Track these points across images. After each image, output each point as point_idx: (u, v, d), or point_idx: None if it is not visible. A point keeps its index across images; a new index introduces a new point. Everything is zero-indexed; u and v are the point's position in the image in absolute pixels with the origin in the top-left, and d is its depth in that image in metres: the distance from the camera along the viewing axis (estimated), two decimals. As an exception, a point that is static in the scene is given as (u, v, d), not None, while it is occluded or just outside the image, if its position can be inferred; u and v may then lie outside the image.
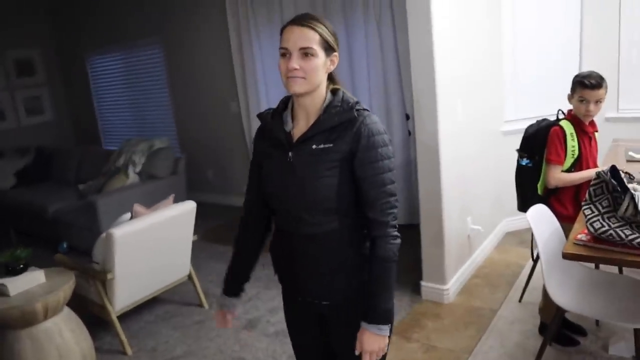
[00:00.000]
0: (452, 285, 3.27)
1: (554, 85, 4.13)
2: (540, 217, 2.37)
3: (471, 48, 3.48)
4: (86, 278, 3.08)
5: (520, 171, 2.80)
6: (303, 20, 1.39)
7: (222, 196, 6.08)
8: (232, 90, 5.56)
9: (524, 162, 2.74)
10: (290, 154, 1.44)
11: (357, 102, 1.44)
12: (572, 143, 2.54)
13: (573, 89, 2.56)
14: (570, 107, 2.64)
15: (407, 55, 4.05)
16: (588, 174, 2.49)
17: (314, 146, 1.41)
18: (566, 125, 2.56)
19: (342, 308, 1.52)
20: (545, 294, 2.72)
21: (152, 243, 3.08)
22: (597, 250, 1.93)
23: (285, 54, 1.38)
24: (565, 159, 2.55)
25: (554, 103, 3.62)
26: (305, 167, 1.41)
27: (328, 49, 1.41)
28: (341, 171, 1.40)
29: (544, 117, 2.78)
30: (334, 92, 1.47)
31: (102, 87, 7.12)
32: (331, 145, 1.39)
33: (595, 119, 2.66)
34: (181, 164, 5.30)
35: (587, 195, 2.04)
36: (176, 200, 3.54)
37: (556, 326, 2.28)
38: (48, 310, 2.62)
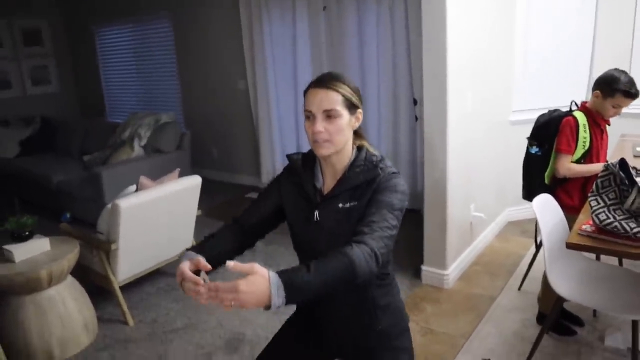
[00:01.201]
0: (453, 271, 3.29)
1: (563, 76, 4.12)
2: (545, 206, 2.38)
3: (482, 36, 3.45)
4: (90, 248, 3.10)
5: (529, 159, 2.80)
6: (326, 82, 1.39)
7: (226, 174, 6.09)
8: (240, 68, 5.54)
9: (534, 150, 2.75)
10: (316, 212, 1.45)
11: (381, 160, 1.45)
12: (584, 134, 2.54)
13: (609, 94, 2.49)
14: (580, 99, 2.63)
15: (418, 40, 4.03)
16: (598, 167, 2.48)
17: (340, 205, 1.42)
18: (580, 117, 2.56)
19: (364, 353, 1.56)
20: (544, 283, 2.74)
21: (157, 216, 3.10)
22: (601, 242, 1.93)
23: (309, 116, 1.40)
24: (575, 150, 2.55)
25: (563, 94, 3.62)
26: (332, 226, 1.43)
27: (351, 107, 1.41)
28: None
29: (555, 108, 2.77)
30: (359, 148, 1.48)
31: (109, 59, 7.09)
32: (356, 203, 1.41)
33: None
34: (186, 139, 5.30)
35: (594, 187, 2.05)
36: (180, 176, 3.55)
37: (555, 315, 2.30)
38: (52, 278, 2.65)
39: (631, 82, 2.48)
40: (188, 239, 3.43)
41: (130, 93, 7.00)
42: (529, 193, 2.76)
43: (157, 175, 3.55)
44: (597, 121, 2.59)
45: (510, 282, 3.28)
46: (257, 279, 1.11)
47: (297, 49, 4.96)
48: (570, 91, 3.84)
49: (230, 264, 1.18)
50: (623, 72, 2.52)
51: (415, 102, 4.30)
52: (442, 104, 3.01)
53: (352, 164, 1.44)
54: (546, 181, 2.70)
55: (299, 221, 1.51)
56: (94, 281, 3.19)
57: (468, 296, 3.16)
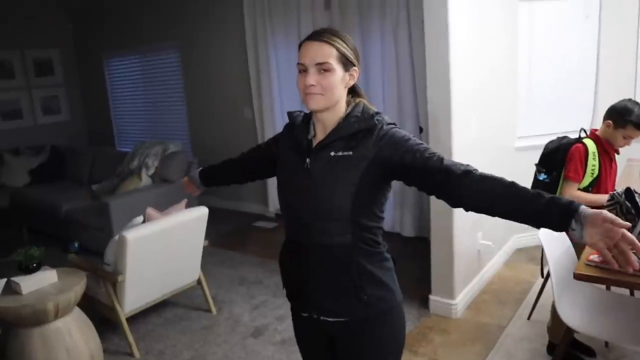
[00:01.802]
0: (461, 300, 3.26)
1: (568, 102, 4.13)
2: (552, 235, 2.36)
3: (487, 62, 3.48)
4: (97, 279, 3.11)
5: (537, 186, 2.77)
6: (320, 35, 1.37)
7: (233, 202, 6.11)
8: (246, 96, 5.61)
9: (542, 177, 2.73)
10: (307, 160, 1.42)
11: (377, 113, 1.42)
12: (593, 162, 2.54)
13: (621, 124, 2.51)
14: (586, 125, 2.64)
15: (422, 67, 4.08)
16: (603, 199, 2.47)
17: (332, 153, 1.39)
18: (589, 144, 2.56)
19: (351, 328, 1.47)
20: (554, 313, 2.70)
21: (164, 247, 3.11)
22: (609, 272, 1.92)
23: (302, 70, 1.38)
24: (583, 177, 2.54)
25: (568, 120, 3.63)
26: (322, 174, 1.40)
27: (347, 63, 1.39)
28: (360, 181, 1.36)
29: (564, 135, 2.77)
30: (356, 104, 1.46)
31: (118, 89, 7.20)
32: (350, 152, 1.37)
33: None
34: (194, 168, 5.34)
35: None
36: (187, 205, 3.57)
37: (565, 346, 2.26)
38: (59, 310, 2.65)
39: None
40: (195, 269, 3.43)
41: (138, 122, 7.09)
42: None
43: (165, 204, 3.57)
44: (607, 150, 2.59)
45: (519, 311, 3.24)
46: (593, 230, 1.08)
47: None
48: (575, 117, 3.86)
49: None
50: (637, 103, 2.54)
51: (421, 129, 4.33)
52: (447, 132, 3.02)
53: (348, 115, 1.41)
54: None
55: (289, 171, 1.50)
56: (100, 312, 3.18)
57: (477, 326, 3.12)
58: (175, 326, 3.39)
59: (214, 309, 3.51)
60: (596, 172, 2.54)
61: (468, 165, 1.30)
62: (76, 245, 4.93)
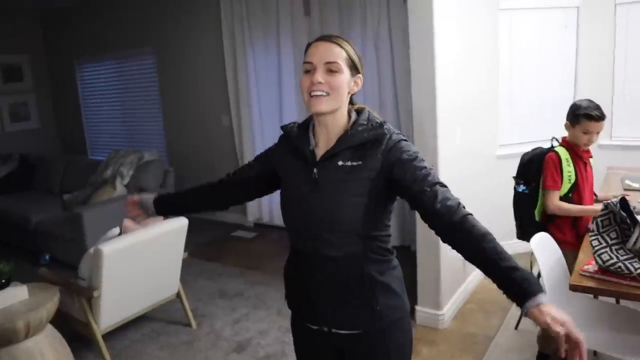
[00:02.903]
0: (447, 310, 3.21)
1: (549, 110, 4.15)
2: (544, 245, 2.34)
3: (469, 70, 3.47)
4: (70, 294, 2.96)
5: (518, 198, 2.79)
6: (330, 37, 1.37)
7: (211, 212, 5.96)
8: (224, 103, 5.50)
9: (521, 188, 2.75)
10: (315, 170, 1.37)
11: (384, 122, 1.39)
12: (569, 168, 2.55)
13: (575, 121, 2.54)
14: (564, 134, 2.64)
15: (404, 76, 4.07)
16: (588, 209, 2.51)
17: (340, 163, 1.35)
18: (561, 151, 2.57)
19: (363, 340, 1.43)
20: None
21: (141, 260, 2.98)
22: (604, 283, 1.89)
23: (309, 69, 1.34)
24: (562, 184, 2.54)
25: (548, 128, 3.63)
26: (331, 185, 1.35)
27: (353, 68, 1.37)
28: (370, 191, 1.33)
29: (538, 145, 2.80)
30: (359, 112, 1.43)
31: (91, 95, 7.00)
32: (360, 162, 1.33)
33: None
34: (170, 176, 5.20)
35: (594, 226, 2.02)
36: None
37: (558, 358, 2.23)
38: (30, 328, 2.50)
39: (594, 106, 2.51)
40: (174, 282, 3.30)
41: (112, 130, 6.89)
42: (523, 233, 2.75)
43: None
44: (579, 154, 2.60)
45: (506, 321, 3.20)
46: (549, 309, 1.12)
47: (282, 81, 4.94)
48: (555, 125, 3.87)
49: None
50: (586, 99, 2.58)
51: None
52: (433, 141, 2.98)
53: (355, 123, 1.38)
54: (537, 218, 2.68)
55: (294, 182, 1.43)
56: (74, 329, 3.03)
57: (464, 336, 3.08)
58: (154, 342, 3.26)
59: (193, 323, 3.39)
60: (573, 177, 2.55)
61: (458, 208, 1.27)
62: (47, 257, 4.75)
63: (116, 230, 3.08)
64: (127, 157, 5.01)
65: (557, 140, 2.69)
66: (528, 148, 2.84)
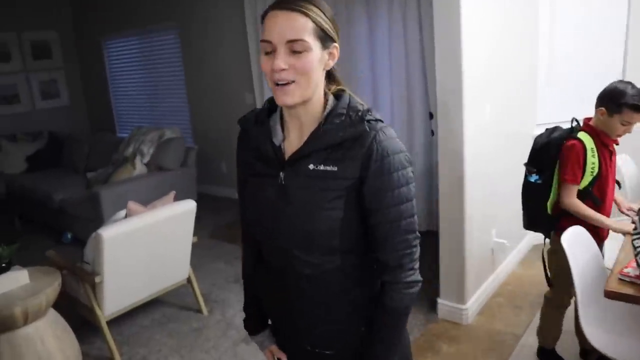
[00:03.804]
0: (472, 304, 2.98)
1: (593, 89, 3.76)
2: (576, 240, 2.06)
3: (503, 43, 3.14)
4: (77, 278, 2.88)
5: (528, 188, 2.39)
6: (291, 2, 1.02)
7: (235, 190, 5.84)
8: (248, 81, 5.31)
9: (533, 178, 2.34)
10: (281, 174, 1.13)
11: (368, 110, 1.11)
12: (593, 160, 2.17)
13: (616, 110, 2.14)
14: (588, 115, 2.29)
15: (432, 49, 3.76)
16: (606, 221, 2.16)
17: (311, 166, 1.10)
18: (586, 140, 2.18)
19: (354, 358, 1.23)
20: (544, 313, 2.48)
21: (147, 245, 2.85)
22: (647, 290, 1.63)
23: (268, 50, 1.04)
24: (583, 178, 2.19)
25: (591, 108, 3.29)
26: (301, 193, 1.11)
27: (325, 39, 1.06)
28: (347, 201, 1.09)
29: (555, 125, 2.40)
30: (338, 95, 1.14)
31: (118, 72, 6.95)
32: (335, 169, 1.08)
33: None
34: (192, 155, 5.09)
35: (638, 223, 1.74)
36: (185, 195, 3.30)
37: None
38: (29, 315, 2.42)
39: (639, 93, 2.13)
40: (184, 267, 3.18)
41: (138, 107, 6.83)
42: (530, 223, 2.43)
43: (160, 194, 3.31)
44: (605, 142, 2.22)
45: (536, 318, 2.94)
46: None
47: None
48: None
49: None
50: (629, 83, 2.17)
51: (431, 115, 4.01)
52: (459, 119, 2.71)
53: (330, 114, 1.10)
54: (549, 211, 2.31)
55: (258, 185, 1.18)
56: (81, 313, 2.96)
57: (490, 333, 2.84)
58: (163, 328, 3.16)
59: (205, 310, 3.27)
60: (596, 169, 2.18)
61: (404, 278, 1.14)
62: (69, 236, 4.75)
63: (122, 213, 2.97)
64: (147, 135, 4.92)
65: (577, 121, 2.30)
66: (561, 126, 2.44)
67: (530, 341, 2.72)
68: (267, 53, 1.05)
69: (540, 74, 3.77)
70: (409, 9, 3.90)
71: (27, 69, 6.81)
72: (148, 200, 3.49)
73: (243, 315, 1.47)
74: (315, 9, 1.03)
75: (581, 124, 2.29)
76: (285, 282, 1.20)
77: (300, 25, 1.01)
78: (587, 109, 3.20)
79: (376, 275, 1.19)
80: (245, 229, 1.36)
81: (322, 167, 1.09)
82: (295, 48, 1.02)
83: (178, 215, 2.97)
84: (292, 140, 1.15)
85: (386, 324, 1.17)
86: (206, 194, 5.72)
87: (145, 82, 6.57)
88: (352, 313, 1.19)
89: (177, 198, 3.13)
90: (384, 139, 1.08)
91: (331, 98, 1.13)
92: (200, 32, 5.63)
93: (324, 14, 1.05)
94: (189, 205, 3.02)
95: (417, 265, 1.16)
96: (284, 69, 1.02)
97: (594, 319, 1.97)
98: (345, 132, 1.08)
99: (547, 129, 2.39)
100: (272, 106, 1.21)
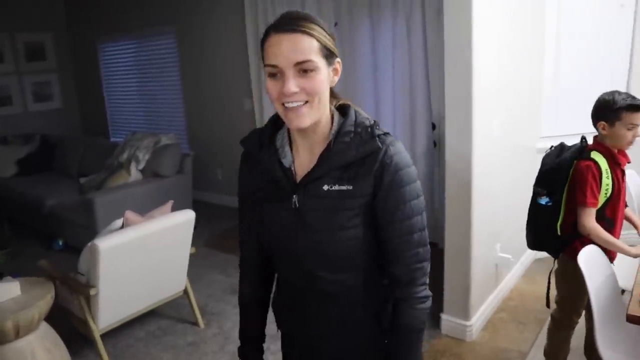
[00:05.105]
0: (476, 320, 2.91)
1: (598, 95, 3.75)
2: (593, 260, 2.00)
3: (511, 54, 3.10)
4: (69, 290, 2.78)
5: (537, 210, 2.29)
6: (293, 24, 1.00)
7: (230, 197, 5.75)
8: (246, 87, 5.24)
9: (543, 201, 2.24)
10: (294, 198, 1.10)
11: (375, 125, 1.10)
12: (607, 181, 2.10)
13: (615, 117, 2.08)
14: (591, 129, 2.22)
15: (436, 59, 3.72)
16: (625, 248, 2.09)
17: (325, 187, 1.08)
18: (600, 160, 2.11)
19: None
20: (552, 334, 2.42)
21: (143, 256, 2.76)
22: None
23: (275, 73, 1.01)
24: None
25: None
26: (317, 216, 1.09)
27: (329, 56, 1.05)
28: (365, 218, 1.08)
29: (559, 142, 2.33)
30: (343, 111, 1.12)
31: (113, 76, 6.84)
32: (351, 187, 1.06)
33: None
34: (188, 161, 5.00)
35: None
36: (180, 202, 3.21)
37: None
38: (20, 329, 2.32)
39: (629, 95, 2.11)
40: (181, 279, 3.08)
41: (133, 111, 6.72)
42: (538, 244, 2.35)
43: (155, 201, 3.23)
44: (618, 161, 2.15)
45: (541, 335, 2.88)
46: None
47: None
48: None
49: None
50: (614, 91, 2.14)
51: (433, 126, 3.96)
52: (467, 132, 2.65)
53: (339, 132, 1.08)
54: (558, 232, 2.23)
55: (271, 209, 1.15)
56: (73, 325, 2.86)
57: (494, 351, 2.78)
58: (158, 341, 3.06)
59: (201, 323, 3.18)
60: (610, 191, 2.12)
61: (416, 293, 1.13)
62: (60, 243, 4.63)
63: (119, 222, 2.88)
64: (143, 141, 4.82)
65: (585, 139, 2.21)
66: (572, 141, 2.33)
67: (536, 359, 2.66)
68: (271, 76, 1.02)
69: (545, 87, 3.73)
70: (413, 19, 3.85)
71: (20, 71, 6.69)
72: (143, 207, 3.41)
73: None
74: (316, 27, 1.02)
75: (589, 141, 2.23)
76: (304, 299, 1.19)
77: (306, 46, 1.00)
78: (589, 122, 3.18)
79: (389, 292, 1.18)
80: (246, 254, 1.32)
81: (337, 187, 1.07)
82: (305, 67, 1.00)
83: (176, 225, 2.88)
84: (303, 161, 1.12)
85: (402, 345, 1.16)
86: (201, 200, 5.62)
87: (140, 86, 6.46)
88: (373, 333, 1.19)
89: (174, 207, 3.05)
90: (394, 152, 1.07)
91: (336, 114, 1.12)
92: (198, 36, 5.56)
93: (325, 31, 1.05)
94: (188, 216, 2.94)
95: (427, 280, 1.16)
96: (295, 92, 1.00)
97: (610, 341, 1.91)
98: (357, 151, 1.07)
99: (552, 147, 2.33)
100: (275, 126, 1.17)
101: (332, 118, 1.11)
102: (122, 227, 2.81)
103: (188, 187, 4.96)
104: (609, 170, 2.12)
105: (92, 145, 5.70)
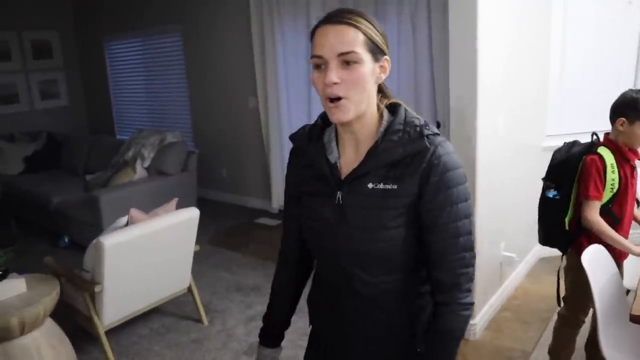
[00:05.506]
0: (480, 319, 2.91)
1: (603, 99, 3.70)
2: (596, 259, 2.00)
3: (516, 52, 3.09)
4: (75, 287, 2.80)
5: (546, 204, 2.33)
6: (341, 17, 1.02)
7: (235, 196, 5.78)
8: (251, 85, 5.24)
9: (551, 194, 2.28)
10: (339, 194, 1.10)
11: (425, 125, 1.08)
12: (612, 176, 2.11)
13: (637, 116, 2.07)
14: (600, 126, 2.22)
15: (441, 57, 3.71)
16: (627, 245, 2.09)
17: (370, 185, 1.07)
18: (606, 155, 2.12)
19: None
20: (557, 333, 2.43)
21: (148, 254, 2.77)
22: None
23: (319, 64, 1.03)
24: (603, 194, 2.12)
25: (602, 118, 3.24)
26: (360, 214, 1.08)
27: (376, 51, 1.04)
28: (408, 219, 1.07)
29: (573, 140, 2.34)
30: (393, 109, 1.11)
31: (119, 73, 6.86)
32: (396, 187, 1.05)
33: None
34: (193, 159, 5.01)
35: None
36: (185, 200, 3.22)
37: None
38: (25, 325, 2.34)
39: None
40: (185, 277, 3.09)
41: (139, 109, 6.75)
42: (547, 239, 2.37)
43: (160, 199, 3.24)
44: (627, 156, 2.15)
45: (545, 334, 2.87)
46: None
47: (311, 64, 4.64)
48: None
49: None
50: (632, 90, 2.14)
51: (438, 124, 3.95)
52: (472, 130, 2.65)
53: (387, 130, 1.08)
54: (566, 227, 2.25)
55: (315, 205, 1.16)
56: (78, 322, 2.88)
57: (498, 350, 2.77)
58: (162, 338, 3.07)
59: (205, 320, 3.19)
60: (616, 186, 2.12)
61: (460, 299, 1.10)
62: (66, 240, 4.66)
63: (123, 220, 2.89)
64: (148, 139, 4.84)
65: (597, 136, 2.23)
66: (580, 139, 2.35)
67: (540, 358, 2.66)
68: (317, 67, 1.04)
69: (551, 85, 3.71)
70: (419, 17, 3.84)
71: (27, 69, 6.73)
72: (148, 205, 3.43)
73: (244, 326, 1.45)
74: (364, 22, 1.03)
75: (601, 138, 2.22)
76: (342, 299, 1.19)
77: (351, 38, 1.01)
78: (597, 121, 3.16)
79: (430, 296, 1.16)
80: (286, 248, 1.35)
81: (381, 186, 1.07)
82: (347, 59, 1.01)
83: (181, 223, 2.89)
84: (348, 158, 1.12)
85: (437, 350, 1.12)
86: (205, 198, 5.64)
87: (146, 84, 6.48)
88: (409, 334, 1.17)
89: (179, 205, 3.06)
90: (443, 153, 1.05)
91: (386, 113, 1.11)
92: (204, 35, 5.57)
93: (374, 27, 1.05)
94: (192, 214, 2.95)
95: (472, 286, 1.13)
96: (336, 83, 1.01)
97: (614, 340, 1.90)
98: (405, 149, 1.05)
99: (565, 143, 2.33)
100: (324, 122, 1.19)
101: (382, 116, 1.11)
102: (127, 224, 2.82)
103: (193, 184, 4.98)
104: (615, 165, 2.12)
105: (98, 142, 5.73)
